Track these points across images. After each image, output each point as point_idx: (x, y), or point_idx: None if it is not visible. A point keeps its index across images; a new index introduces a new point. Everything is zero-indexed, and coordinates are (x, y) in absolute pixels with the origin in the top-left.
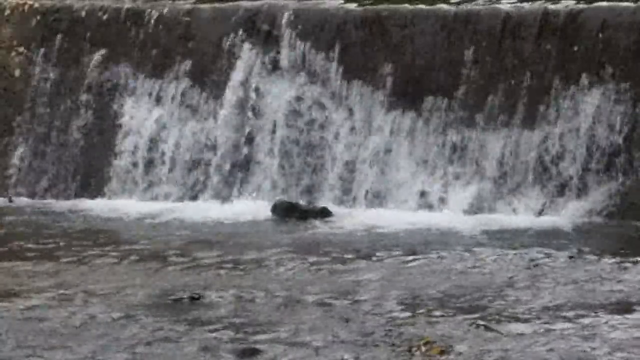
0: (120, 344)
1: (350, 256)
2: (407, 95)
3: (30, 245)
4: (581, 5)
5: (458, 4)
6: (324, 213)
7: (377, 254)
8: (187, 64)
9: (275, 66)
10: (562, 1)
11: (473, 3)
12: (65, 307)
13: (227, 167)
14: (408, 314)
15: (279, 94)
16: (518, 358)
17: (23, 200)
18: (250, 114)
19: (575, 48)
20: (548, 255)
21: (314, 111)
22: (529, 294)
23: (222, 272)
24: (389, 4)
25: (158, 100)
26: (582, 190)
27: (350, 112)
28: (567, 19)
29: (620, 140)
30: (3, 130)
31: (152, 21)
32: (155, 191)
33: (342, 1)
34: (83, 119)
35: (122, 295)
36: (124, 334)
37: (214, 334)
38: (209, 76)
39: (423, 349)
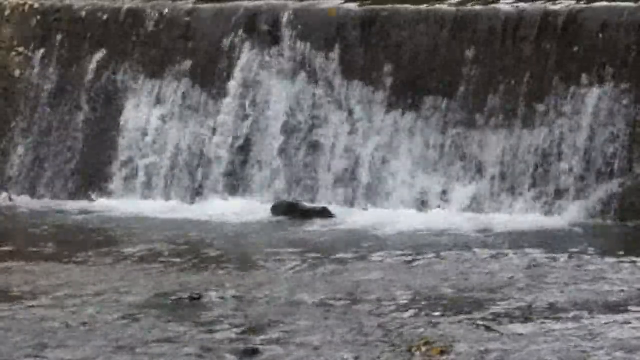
0: (120, 344)
1: (350, 256)
2: (407, 95)
3: (30, 245)
4: (581, 5)
5: (458, 4)
6: (324, 213)
7: (377, 254)
8: (187, 64)
9: (275, 66)
10: (562, 1)
11: (471, 3)
12: (65, 307)
13: (227, 166)
14: (408, 314)
15: (279, 94)
16: (518, 358)
17: (23, 200)
18: (250, 113)
19: (575, 48)
20: (548, 255)
21: (314, 111)
22: (529, 294)
23: (222, 272)
24: (389, 4)
25: (158, 100)
26: (581, 191)
27: (350, 112)
28: (567, 19)
29: (620, 141)
30: (3, 130)
31: (152, 21)
32: (155, 191)
33: (342, 1)
34: (83, 118)
35: (122, 295)
36: (124, 334)
37: (214, 334)
38: (209, 76)
39: (423, 349)
